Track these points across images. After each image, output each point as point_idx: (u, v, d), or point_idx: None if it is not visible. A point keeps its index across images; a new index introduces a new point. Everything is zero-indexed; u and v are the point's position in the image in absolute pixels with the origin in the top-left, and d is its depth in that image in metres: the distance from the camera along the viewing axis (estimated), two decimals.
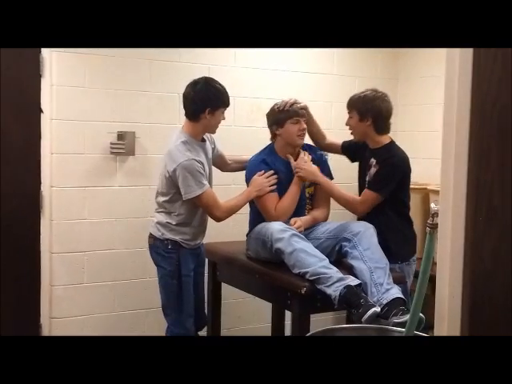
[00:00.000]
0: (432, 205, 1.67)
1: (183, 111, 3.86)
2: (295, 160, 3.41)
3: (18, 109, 3.62)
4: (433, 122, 4.38)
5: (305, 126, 3.38)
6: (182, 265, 3.23)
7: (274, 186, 3.38)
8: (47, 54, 3.63)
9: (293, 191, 3.37)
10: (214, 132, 3.31)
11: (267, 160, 3.42)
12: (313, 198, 3.53)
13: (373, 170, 3.38)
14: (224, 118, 3.27)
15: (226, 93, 3.23)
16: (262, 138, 3.61)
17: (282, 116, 3.37)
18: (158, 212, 3.28)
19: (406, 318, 2.26)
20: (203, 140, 3.29)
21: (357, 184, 3.60)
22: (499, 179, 1.18)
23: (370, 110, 3.35)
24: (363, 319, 2.79)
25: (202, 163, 3.16)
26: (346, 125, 3.48)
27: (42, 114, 3.68)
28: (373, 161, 3.40)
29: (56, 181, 3.71)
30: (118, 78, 3.83)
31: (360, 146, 3.57)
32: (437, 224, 1.46)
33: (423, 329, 2.54)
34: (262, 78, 4.22)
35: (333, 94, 4.51)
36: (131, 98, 3.87)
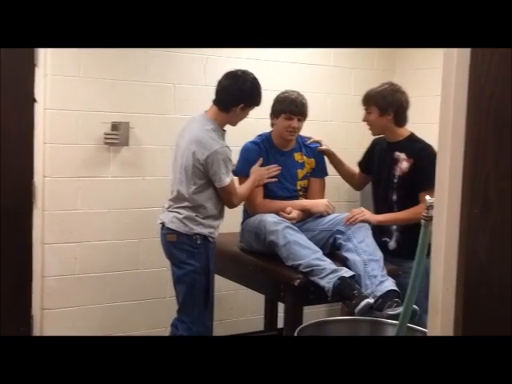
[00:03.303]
0: (427, 197, 1.67)
1: (179, 101, 3.82)
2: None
3: (11, 98, 3.59)
4: (429, 114, 4.34)
5: (296, 124, 3.36)
6: (210, 260, 3.15)
7: (274, 179, 3.39)
8: None
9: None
10: (234, 125, 3.27)
11: (261, 145, 3.44)
12: (307, 190, 3.52)
13: (404, 164, 3.35)
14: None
15: (261, 92, 3.21)
16: (256, 128, 3.60)
17: (278, 108, 3.39)
18: (183, 207, 3.14)
19: (400, 310, 2.26)
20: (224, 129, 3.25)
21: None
22: (495, 172, 1.18)
23: (392, 104, 3.35)
24: (356, 310, 2.80)
25: (230, 151, 3.15)
26: (364, 121, 3.46)
27: (35, 104, 3.65)
28: (399, 154, 3.37)
29: (49, 171, 3.68)
30: (112, 68, 3.80)
31: (367, 151, 3.63)
32: (432, 216, 1.46)
33: (417, 321, 2.54)
34: (259, 69, 4.19)
35: (330, 86, 4.49)
36: (126, 88, 3.84)
